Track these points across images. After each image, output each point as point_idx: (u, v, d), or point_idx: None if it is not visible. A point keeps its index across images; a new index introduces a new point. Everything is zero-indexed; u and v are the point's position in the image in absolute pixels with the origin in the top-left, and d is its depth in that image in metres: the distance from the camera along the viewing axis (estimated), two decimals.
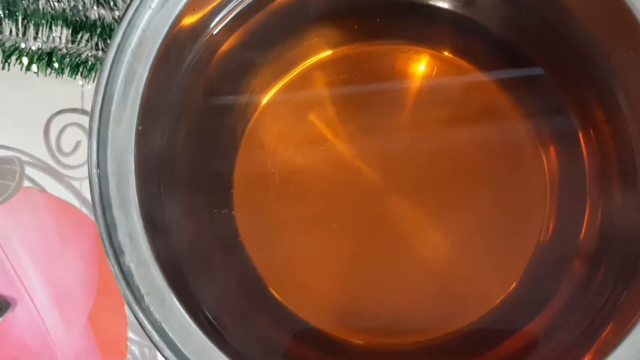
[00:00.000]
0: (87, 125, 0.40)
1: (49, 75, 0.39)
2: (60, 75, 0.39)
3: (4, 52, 0.38)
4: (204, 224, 0.35)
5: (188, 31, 0.31)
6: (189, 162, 0.35)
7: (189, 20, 0.30)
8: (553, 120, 0.35)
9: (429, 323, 0.35)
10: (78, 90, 0.40)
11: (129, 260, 0.27)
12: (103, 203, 0.27)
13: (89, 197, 0.40)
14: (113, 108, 0.28)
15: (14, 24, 0.38)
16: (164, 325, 0.26)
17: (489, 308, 0.34)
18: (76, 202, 0.39)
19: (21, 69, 0.38)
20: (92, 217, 0.39)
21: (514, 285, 0.34)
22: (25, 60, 0.38)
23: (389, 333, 0.35)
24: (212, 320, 0.30)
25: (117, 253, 0.26)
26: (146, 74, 0.29)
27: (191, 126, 0.34)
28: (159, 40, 0.29)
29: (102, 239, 0.26)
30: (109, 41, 0.38)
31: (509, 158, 0.36)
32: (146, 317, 0.26)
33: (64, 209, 0.39)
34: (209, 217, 0.35)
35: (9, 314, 0.38)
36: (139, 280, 0.26)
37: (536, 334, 0.33)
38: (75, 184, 0.40)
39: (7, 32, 0.38)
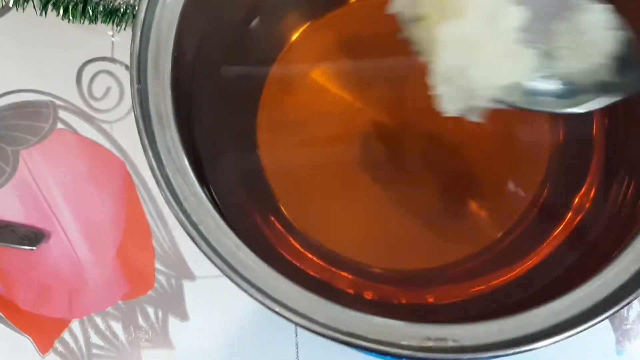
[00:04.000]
0: (117, 72, 0.43)
1: (82, 23, 0.41)
2: (94, 22, 0.41)
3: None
4: (231, 158, 0.38)
5: None
6: (214, 97, 0.37)
7: None
8: None
9: (453, 246, 0.37)
10: (108, 40, 0.43)
11: (168, 169, 0.29)
12: (144, 117, 0.29)
13: (118, 139, 0.42)
14: (152, 35, 0.31)
15: None
16: (200, 227, 0.28)
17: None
18: (106, 144, 0.42)
19: (57, 16, 0.41)
20: (122, 158, 0.42)
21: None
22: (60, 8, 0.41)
23: (411, 259, 0.37)
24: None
25: (158, 164, 0.29)
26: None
27: (220, 61, 0.37)
28: None
29: (145, 151, 0.29)
30: None
31: None
32: (186, 219, 0.28)
33: (95, 149, 0.42)
34: (235, 152, 0.38)
35: (43, 245, 0.40)
36: (177, 187, 0.29)
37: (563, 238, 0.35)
38: (106, 126, 0.42)
39: None
